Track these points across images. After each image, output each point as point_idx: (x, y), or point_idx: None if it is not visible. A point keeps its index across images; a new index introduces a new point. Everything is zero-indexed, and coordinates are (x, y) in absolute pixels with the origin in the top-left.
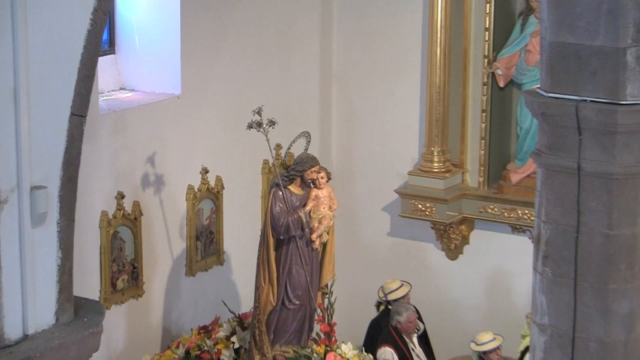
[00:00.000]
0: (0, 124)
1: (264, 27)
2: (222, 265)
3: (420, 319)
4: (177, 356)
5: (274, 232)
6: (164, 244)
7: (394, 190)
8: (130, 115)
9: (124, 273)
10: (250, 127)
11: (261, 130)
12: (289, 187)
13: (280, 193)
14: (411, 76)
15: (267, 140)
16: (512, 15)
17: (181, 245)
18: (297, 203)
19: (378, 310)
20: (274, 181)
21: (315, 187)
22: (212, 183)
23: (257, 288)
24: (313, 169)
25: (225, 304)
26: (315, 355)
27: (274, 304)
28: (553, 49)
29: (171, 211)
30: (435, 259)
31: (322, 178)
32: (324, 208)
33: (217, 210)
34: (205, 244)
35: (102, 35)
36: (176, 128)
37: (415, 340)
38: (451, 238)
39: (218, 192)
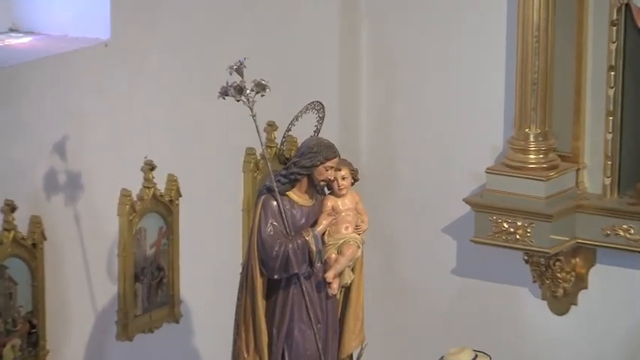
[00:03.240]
0: None
1: None
2: (177, 322)
3: None
4: None
5: (264, 269)
6: (81, 289)
7: (463, 200)
8: (28, 74)
9: (15, 335)
10: (225, 93)
11: (243, 98)
12: (289, 193)
13: (274, 203)
14: (491, 11)
15: (254, 116)
16: None
17: (110, 290)
18: (303, 220)
19: None
20: (265, 183)
21: (333, 193)
22: (161, 186)
23: (235, 359)
24: (329, 163)
25: None
26: None
27: None
28: None
29: (94, 234)
30: (532, 314)
31: (344, 178)
32: (346, 228)
33: (170, 232)
34: (150, 289)
35: None
36: (102, 95)
37: None
38: (558, 279)
39: (171, 201)
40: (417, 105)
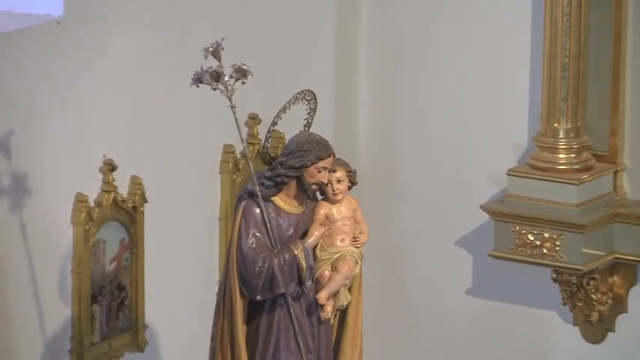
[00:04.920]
0: None
1: None
2: (141, 351)
3: None
4: None
5: (245, 289)
6: (29, 311)
7: (480, 207)
8: None
9: None
10: (199, 80)
11: (220, 86)
12: (275, 199)
13: (257, 210)
14: None
15: (233, 107)
16: None
17: (63, 313)
18: (291, 231)
19: None
20: (246, 187)
21: (326, 199)
22: (123, 190)
23: None
24: (321, 163)
25: None
26: None
27: None
28: None
29: (44, 246)
30: (561, 342)
31: (339, 181)
32: (342, 240)
33: (134, 244)
34: (109, 312)
35: None
36: (53, 82)
37: None
38: (592, 301)
39: (135, 208)
40: (425, 96)
